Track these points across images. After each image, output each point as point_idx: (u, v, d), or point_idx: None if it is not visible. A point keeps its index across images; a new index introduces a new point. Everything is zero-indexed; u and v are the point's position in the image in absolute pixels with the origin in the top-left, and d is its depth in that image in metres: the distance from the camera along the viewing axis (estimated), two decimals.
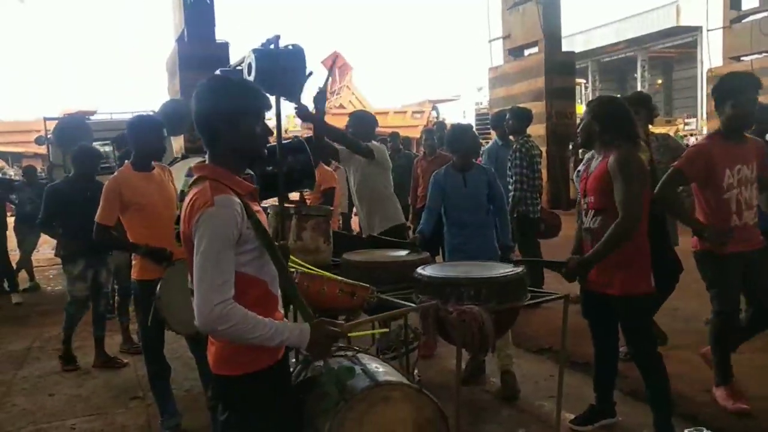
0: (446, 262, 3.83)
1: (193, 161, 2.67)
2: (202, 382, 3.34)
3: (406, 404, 1.89)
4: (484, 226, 3.97)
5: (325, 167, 5.47)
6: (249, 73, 3.96)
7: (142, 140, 3.35)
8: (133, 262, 3.40)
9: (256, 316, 1.70)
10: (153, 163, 3.45)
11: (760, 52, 15.99)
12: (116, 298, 5.34)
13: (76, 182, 4.67)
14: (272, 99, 3.24)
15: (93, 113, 10.88)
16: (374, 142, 4.49)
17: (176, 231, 3.16)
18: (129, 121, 3.45)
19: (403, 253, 3.56)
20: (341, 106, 22.97)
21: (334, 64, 21.85)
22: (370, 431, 1.82)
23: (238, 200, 1.73)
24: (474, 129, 4.78)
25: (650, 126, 4.34)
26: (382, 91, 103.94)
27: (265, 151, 1.89)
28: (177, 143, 7.17)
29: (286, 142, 3.58)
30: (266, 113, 1.92)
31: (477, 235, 3.91)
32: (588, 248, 3.02)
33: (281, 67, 3.62)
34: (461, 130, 4.22)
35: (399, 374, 2.16)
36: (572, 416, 3.35)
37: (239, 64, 4.21)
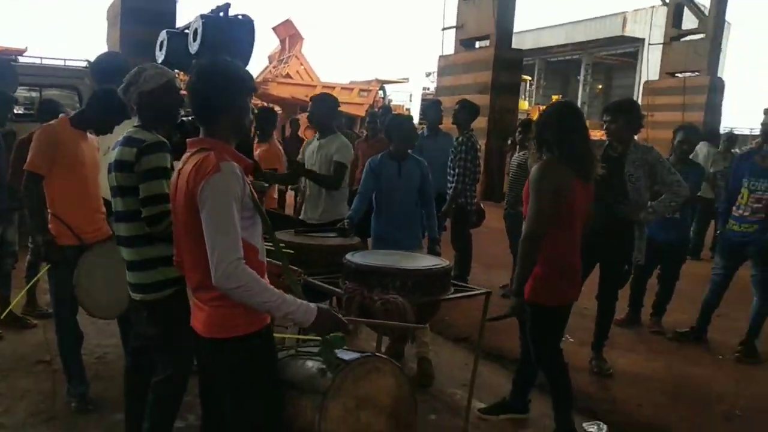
0: (373, 249, 3.86)
1: (127, 127, 2.57)
2: (125, 349, 3.18)
3: (391, 378, 2.10)
4: (411, 215, 4.02)
5: (277, 145, 5.33)
6: (195, 39, 3.81)
7: (105, 113, 3.18)
8: (49, 226, 3.19)
9: (267, 282, 1.81)
10: None
11: (693, 71, 16.88)
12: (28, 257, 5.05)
13: None
14: None
15: (21, 52, 10.04)
16: (340, 137, 4.35)
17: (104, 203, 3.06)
18: (103, 90, 3.24)
19: (334, 236, 3.58)
20: (288, 76, 22.38)
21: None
22: (363, 393, 2.02)
23: (239, 168, 1.86)
24: (416, 119, 4.81)
25: (635, 136, 3.96)
26: (331, 65, 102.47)
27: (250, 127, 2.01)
28: None
29: None
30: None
31: (404, 225, 3.96)
32: None
33: (228, 36, 3.51)
34: (400, 120, 4.31)
35: None
36: (483, 405, 3.50)
37: (186, 28, 4.04)
